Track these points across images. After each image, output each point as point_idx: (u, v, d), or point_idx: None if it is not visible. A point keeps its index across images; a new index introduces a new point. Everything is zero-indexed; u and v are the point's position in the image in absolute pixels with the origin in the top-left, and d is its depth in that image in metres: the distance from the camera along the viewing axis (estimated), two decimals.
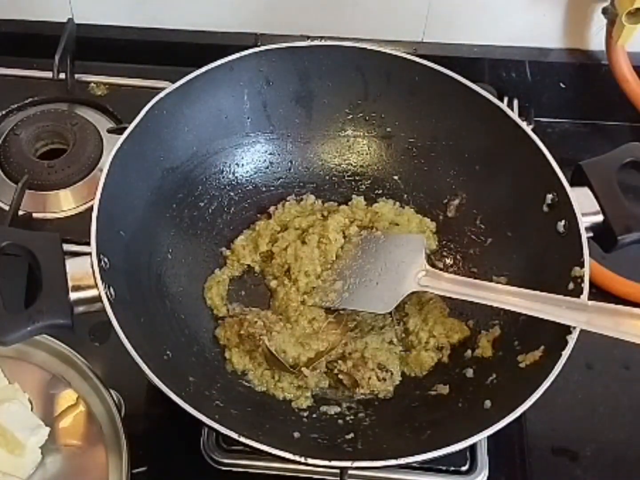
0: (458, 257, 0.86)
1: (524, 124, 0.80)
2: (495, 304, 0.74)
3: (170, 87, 0.81)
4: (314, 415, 0.76)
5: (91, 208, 0.72)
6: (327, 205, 0.89)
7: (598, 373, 0.88)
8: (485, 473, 0.78)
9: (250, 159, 0.89)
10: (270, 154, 0.90)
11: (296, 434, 0.72)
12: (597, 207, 0.75)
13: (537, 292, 0.72)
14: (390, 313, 0.81)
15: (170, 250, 0.82)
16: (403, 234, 0.85)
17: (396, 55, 0.85)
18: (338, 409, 0.77)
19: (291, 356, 0.78)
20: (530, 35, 1.07)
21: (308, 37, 1.06)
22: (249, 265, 0.86)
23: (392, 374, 0.78)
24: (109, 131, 1.01)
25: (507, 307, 0.73)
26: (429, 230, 0.87)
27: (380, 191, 0.90)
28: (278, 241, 0.85)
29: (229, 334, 0.79)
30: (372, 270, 0.82)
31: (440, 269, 0.83)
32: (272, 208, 0.89)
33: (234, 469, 0.79)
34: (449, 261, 0.86)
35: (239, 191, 0.89)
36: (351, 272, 0.82)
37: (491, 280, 0.80)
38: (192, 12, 1.09)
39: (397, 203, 0.89)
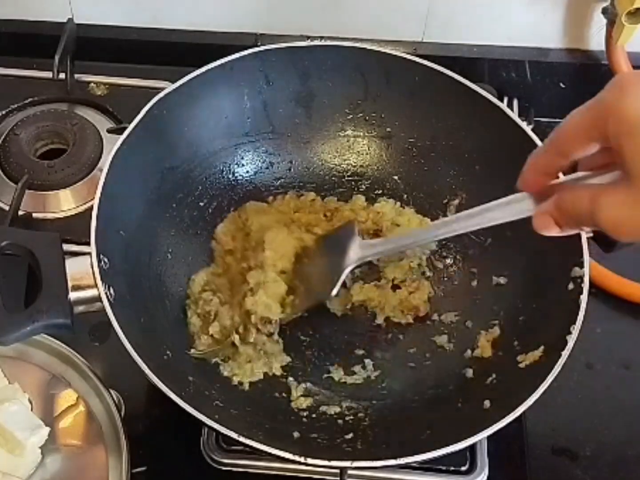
0: (458, 257, 0.86)
1: (524, 124, 0.80)
2: (435, 239, 0.73)
3: (170, 87, 0.81)
4: (314, 415, 0.76)
5: (91, 208, 0.72)
6: (328, 200, 0.89)
7: (598, 373, 0.87)
8: (485, 473, 0.78)
9: (250, 159, 0.89)
10: (270, 154, 0.90)
11: (296, 434, 0.72)
12: None
13: (474, 209, 0.66)
14: None
15: (170, 250, 0.82)
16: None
17: (396, 55, 0.85)
18: (338, 409, 0.76)
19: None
20: (530, 35, 1.07)
21: (308, 37, 1.06)
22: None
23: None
24: (109, 131, 1.01)
25: (448, 235, 0.69)
26: None
27: (380, 191, 0.90)
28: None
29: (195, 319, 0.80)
30: (315, 269, 0.80)
31: (440, 269, 0.84)
32: (270, 198, 0.89)
33: (234, 469, 0.79)
34: (448, 261, 0.86)
35: (239, 191, 0.89)
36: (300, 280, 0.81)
37: (491, 280, 0.81)
38: (192, 12, 1.09)
39: (398, 203, 0.89)
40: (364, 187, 0.91)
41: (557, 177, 0.57)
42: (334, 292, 0.76)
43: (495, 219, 0.64)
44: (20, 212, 0.93)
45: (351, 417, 0.76)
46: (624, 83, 0.49)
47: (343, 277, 0.75)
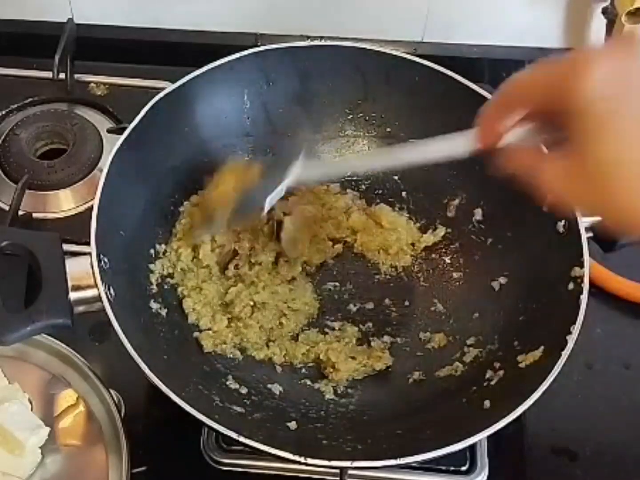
0: (458, 256, 0.86)
1: None
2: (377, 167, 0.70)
3: (170, 87, 0.81)
4: (314, 415, 0.76)
5: (91, 208, 0.72)
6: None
7: (598, 373, 0.88)
8: (485, 473, 0.78)
9: (250, 158, 0.89)
10: (270, 154, 0.90)
11: (296, 434, 0.72)
12: None
13: (418, 141, 0.68)
14: None
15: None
16: None
17: (396, 55, 0.85)
18: (338, 409, 0.77)
19: None
20: (530, 35, 1.07)
21: (308, 37, 1.06)
22: None
23: None
24: (109, 131, 1.01)
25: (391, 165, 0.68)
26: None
27: (380, 191, 0.90)
28: None
29: None
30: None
31: (440, 269, 0.84)
32: None
33: (234, 469, 0.79)
34: (448, 261, 0.86)
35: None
36: None
37: (491, 280, 0.81)
38: (192, 12, 1.09)
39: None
40: (363, 187, 0.90)
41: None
42: (265, 205, 0.72)
43: (439, 151, 0.66)
44: (20, 212, 0.93)
45: (351, 417, 0.76)
46: (584, 61, 0.50)
47: (276, 191, 0.72)
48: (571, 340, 0.68)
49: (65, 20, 1.08)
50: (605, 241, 0.76)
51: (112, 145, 0.76)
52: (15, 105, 1.06)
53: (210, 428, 0.65)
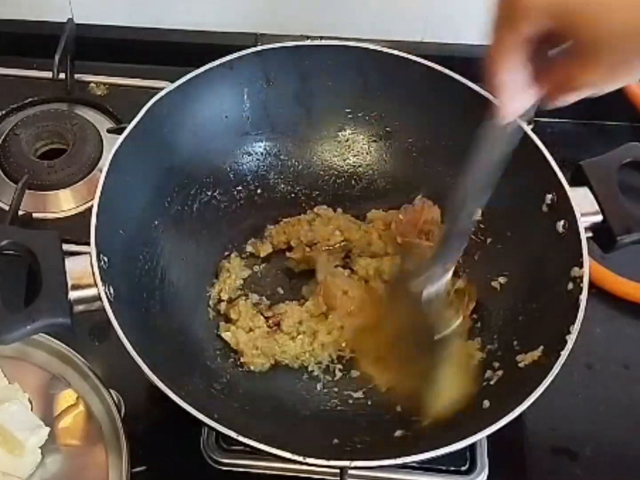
0: None
1: (523, 124, 0.80)
2: None
3: (169, 86, 0.81)
4: (313, 415, 0.76)
5: (91, 208, 0.72)
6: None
7: (598, 373, 0.87)
8: (485, 473, 0.78)
9: (250, 158, 0.89)
10: (270, 153, 0.90)
11: (296, 434, 0.72)
12: (597, 208, 0.75)
13: None
14: None
15: (170, 250, 0.82)
16: None
17: (396, 55, 0.85)
18: (337, 409, 0.76)
19: None
20: None
21: (308, 37, 1.06)
22: None
23: None
24: (109, 131, 1.01)
25: None
26: None
27: (380, 191, 0.90)
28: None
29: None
30: None
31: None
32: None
33: (234, 469, 0.78)
34: None
35: (239, 190, 0.89)
36: None
37: (490, 280, 0.81)
38: (192, 12, 1.09)
39: None
40: (359, 186, 0.91)
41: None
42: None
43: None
44: (20, 212, 0.93)
45: (350, 417, 0.76)
46: None
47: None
48: (570, 340, 0.68)
49: (65, 20, 1.08)
50: (605, 241, 0.76)
51: (112, 145, 0.76)
52: (15, 105, 1.06)
53: (210, 427, 0.65)
